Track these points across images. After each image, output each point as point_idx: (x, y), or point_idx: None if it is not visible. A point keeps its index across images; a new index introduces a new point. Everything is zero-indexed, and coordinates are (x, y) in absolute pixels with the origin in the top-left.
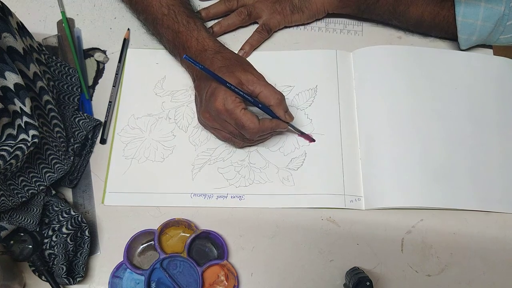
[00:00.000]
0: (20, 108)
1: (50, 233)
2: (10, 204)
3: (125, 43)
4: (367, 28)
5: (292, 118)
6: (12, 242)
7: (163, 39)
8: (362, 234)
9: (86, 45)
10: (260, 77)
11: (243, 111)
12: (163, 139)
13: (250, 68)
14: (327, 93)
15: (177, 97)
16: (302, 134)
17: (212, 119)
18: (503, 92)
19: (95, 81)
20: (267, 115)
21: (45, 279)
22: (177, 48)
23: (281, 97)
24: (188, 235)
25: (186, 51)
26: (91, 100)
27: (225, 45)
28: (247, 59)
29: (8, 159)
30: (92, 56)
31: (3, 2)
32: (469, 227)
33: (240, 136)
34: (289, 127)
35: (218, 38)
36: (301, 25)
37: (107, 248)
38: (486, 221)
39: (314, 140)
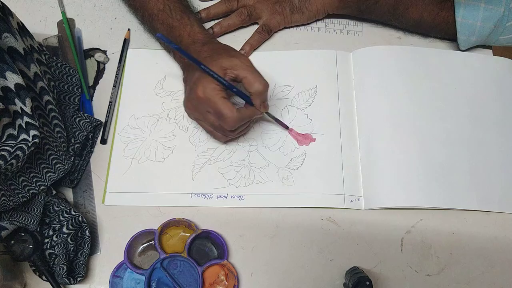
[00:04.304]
0: (21, 108)
1: (51, 233)
2: (10, 204)
3: (126, 43)
4: (367, 28)
5: (266, 108)
6: (12, 242)
7: None
8: (362, 234)
9: (86, 45)
10: (245, 62)
11: (222, 99)
12: (164, 139)
13: (236, 54)
14: (327, 93)
15: (177, 97)
16: (277, 121)
17: (194, 108)
18: (503, 92)
19: (96, 81)
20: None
21: (46, 279)
22: None
23: (263, 87)
24: (188, 235)
25: (179, 45)
26: (92, 100)
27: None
28: None
29: (9, 159)
30: (93, 56)
31: (3, 2)
32: (469, 227)
33: (221, 129)
34: (265, 114)
35: (218, 39)
36: (301, 25)
37: (107, 248)
38: (486, 221)
39: (287, 127)
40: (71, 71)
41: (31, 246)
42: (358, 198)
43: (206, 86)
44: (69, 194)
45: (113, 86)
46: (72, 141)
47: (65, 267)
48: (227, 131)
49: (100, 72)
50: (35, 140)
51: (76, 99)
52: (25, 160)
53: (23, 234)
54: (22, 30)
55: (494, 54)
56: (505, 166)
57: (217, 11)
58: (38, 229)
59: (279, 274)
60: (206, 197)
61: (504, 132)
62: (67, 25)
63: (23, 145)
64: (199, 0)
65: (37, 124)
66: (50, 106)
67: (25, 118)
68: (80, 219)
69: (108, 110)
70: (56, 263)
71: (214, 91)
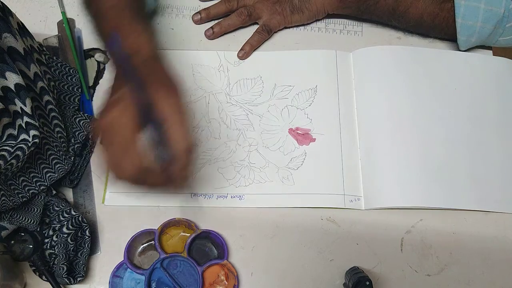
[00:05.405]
0: (21, 108)
1: (51, 233)
2: (10, 204)
3: None
4: (367, 28)
5: (186, 178)
6: (12, 242)
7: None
8: (362, 234)
9: (86, 45)
10: (177, 108)
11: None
12: None
13: (175, 93)
14: (327, 93)
15: None
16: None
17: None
18: (503, 92)
19: (96, 82)
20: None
21: (46, 279)
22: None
23: (188, 145)
24: (188, 234)
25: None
26: (92, 100)
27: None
28: (246, 59)
29: (9, 159)
30: (93, 56)
31: (3, 2)
32: (469, 227)
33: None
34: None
35: (218, 38)
36: (301, 25)
37: (107, 248)
38: (486, 221)
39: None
40: (71, 71)
41: (31, 246)
42: (358, 198)
43: (122, 113)
44: (69, 194)
45: None
46: (72, 141)
47: (65, 267)
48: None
49: (100, 72)
50: (35, 140)
51: (76, 99)
52: (25, 160)
53: (23, 234)
54: (22, 30)
55: (494, 54)
56: (505, 166)
57: (217, 11)
58: (38, 229)
59: (279, 274)
60: (206, 197)
61: (504, 132)
62: (67, 25)
63: (23, 145)
64: (199, 0)
65: (37, 124)
66: (50, 106)
67: (25, 118)
68: (80, 219)
69: None
70: (56, 263)
71: (130, 122)
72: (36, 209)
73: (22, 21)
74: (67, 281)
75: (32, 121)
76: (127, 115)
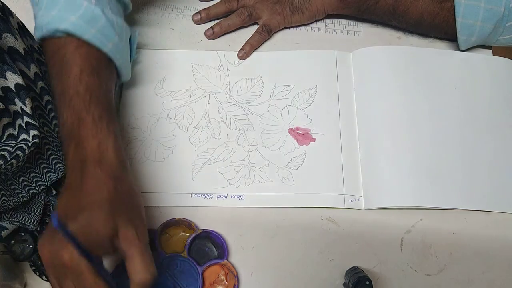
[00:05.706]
0: (21, 108)
1: None
2: (11, 204)
3: None
4: (367, 28)
5: None
6: (13, 242)
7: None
8: (362, 233)
9: None
10: (142, 234)
11: (93, 274)
12: (164, 139)
13: (139, 216)
14: (327, 93)
15: (177, 97)
16: None
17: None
18: (503, 92)
19: None
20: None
21: (46, 279)
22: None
23: (149, 278)
24: (188, 234)
25: (78, 146)
26: None
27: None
28: (246, 59)
29: (9, 159)
30: None
31: (3, 2)
32: (469, 227)
33: None
34: None
35: (219, 38)
36: (301, 25)
37: None
38: (486, 221)
39: None
40: None
41: (31, 246)
42: (358, 198)
43: (76, 256)
44: None
45: None
46: None
47: None
48: None
49: None
50: (35, 140)
51: None
52: (25, 160)
53: (23, 234)
54: (22, 30)
55: (494, 54)
56: (505, 166)
57: (217, 11)
58: (38, 229)
59: (279, 274)
60: (206, 197)
61: (504, 132)
62: None
63: (23, 145)
64: (199, 0)
65: (37, 124)
66: (50, 106)
67: (25, 118)
68: None
69: None
70: None
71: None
72: (36, 209)
73: (22, 21)
74: None
75: (32, 121)
76: (81, 262)
